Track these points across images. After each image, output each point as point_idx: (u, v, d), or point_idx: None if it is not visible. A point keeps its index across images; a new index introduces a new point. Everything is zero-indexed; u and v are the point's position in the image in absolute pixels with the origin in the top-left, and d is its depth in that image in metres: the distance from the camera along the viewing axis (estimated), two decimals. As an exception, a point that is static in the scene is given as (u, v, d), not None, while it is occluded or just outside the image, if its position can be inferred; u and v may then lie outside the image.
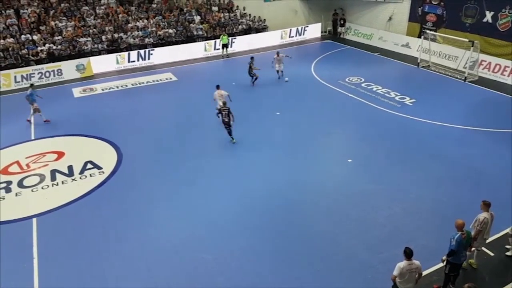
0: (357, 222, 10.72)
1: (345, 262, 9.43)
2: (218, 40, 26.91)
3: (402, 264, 7.46)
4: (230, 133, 15.02)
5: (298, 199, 11.73)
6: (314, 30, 31.26)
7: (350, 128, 16.25)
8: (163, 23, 27.34)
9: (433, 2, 25.17)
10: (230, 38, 27.54)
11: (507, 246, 9.58)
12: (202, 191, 12.31)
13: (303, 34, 30.75)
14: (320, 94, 19.92)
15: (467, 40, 21.21)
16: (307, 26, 30.91)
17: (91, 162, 14.02)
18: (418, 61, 23.33)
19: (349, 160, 13.65)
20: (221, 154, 14.59)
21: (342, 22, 30.75)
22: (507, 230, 9.52)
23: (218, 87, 16.58)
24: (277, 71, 21.39)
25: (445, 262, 8.36)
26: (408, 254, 7.46)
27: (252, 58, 21.06)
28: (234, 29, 28.97)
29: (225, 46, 26.67)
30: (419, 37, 24.66)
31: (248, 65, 20.67)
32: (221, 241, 10.17)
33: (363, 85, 20.59)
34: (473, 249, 8.91)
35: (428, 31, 23.52)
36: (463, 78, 20.87)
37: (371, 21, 29.20)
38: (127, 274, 9.28)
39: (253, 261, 9.53)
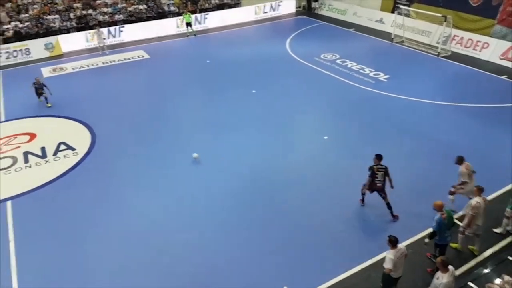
0: (332, 197, 10.92)
1: (322, 234, 9.65)
2: (188, 17, 26.31)
3: (392, 254, 7.27)
4: (389, 206, 9.92)
5: (274, 177, 11.83)
6: (288, 6, 30.90)
7: (325, 105, 16.39)
8: (134, -1, 26.50)
9: (406, -23, 25.22)
10: (201, 14, 26.96)
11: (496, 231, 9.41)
12: (177, 169, 12.29)
13: (277, 9, 30.39)
14: (295, 71, 19.90)
15: (440, 15, 21.47)
16: (281, 1, 30.48)
17: (64, 143, 13.74)
18: (392, 36, 23.51)
19: (325, 137, 13.82)
20: (195, 133, 14.48)
21: (315, -3, 30.55)
22: (508, 209, 9.22)
23: (461, 159, 9.73)
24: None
25: (427, 240, 8.24)
26: (394, 242, 7.31)
27: None
28: (206, 5, 28.35)
29: (188, 24, 25.70)
30: (393, 12, 24.77)
31: None
32: (197, 218, 10.29)
33: (338, 61, 20.69)
34: (467, 234, 8.64)
35: (401, 6, 23.61)
36: (436, 53, 21.21)
37: (345, -4, 29.06)
38: (102, 253, 9.36)
39: (229, 238, 9.66)
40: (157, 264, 8.99)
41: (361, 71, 19.38)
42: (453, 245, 8.86)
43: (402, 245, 7.65)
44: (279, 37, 25.06)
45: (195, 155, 12.67)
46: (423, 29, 23.46)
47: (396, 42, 23.24)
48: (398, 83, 17.91)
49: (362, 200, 10.44)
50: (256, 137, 13.99)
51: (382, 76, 18.68)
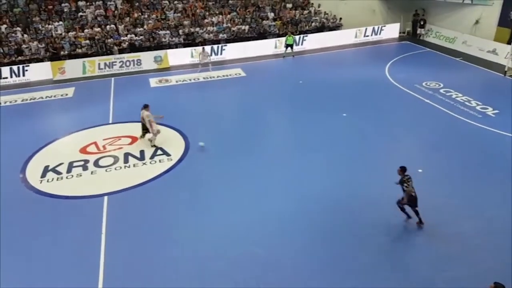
0: (422, 236, 10.09)
1: (406, 277, 8.94)
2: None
3: None
4: (417, 212, 10.17)
5: (358, 206, 11.31)
6: (392, 30, 30.02)
7: (423, 135, 15.37)
8: (238, 19, 27.82)
9: (529, 5, 22.98)
10: (301, 35, 27.28)
11: None
12: (262, 186, 12.34)
13: (380, 34, 29.65)
14: (392, 97, 19.09)
15: None
16: (384, 26, 29.77)
17: (161, 148, 14.67)
18: (505, 69, 21.42)
19: (419, 170, 12.84)
20: (284, 151, 14.52)
21: (422, 23, 29.22)
22: None
23: None
24: None
25: None
26: None
27: None
28: (307, 27, 28.67)
29: (290, 46, 25.95)
30: (509, 43, 22.64)
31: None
32: (275, 238, 10.18)
33: (441, 91, 19.37)
34: None
35: (520, 37, 21.54)
36: (558, 90, 18.82)
37: (455, 23, 27.34)
38: (181, 257, 9.68)
39: (306, 261, 9.40)
40: (230, 276, 9.04)
41: (466, 103, 17.88)
42: None
43: None
44: (379, 61, 24.33)
45: (201, 143, 14.42)
46: (544, 63, 21.05)
47: (510, 76, 21.11)
48: (508, 119, 16.12)
49: (408, 215, 10.39)
50: (341, 161, 13.58)
51: (490, 111, 17.02)
